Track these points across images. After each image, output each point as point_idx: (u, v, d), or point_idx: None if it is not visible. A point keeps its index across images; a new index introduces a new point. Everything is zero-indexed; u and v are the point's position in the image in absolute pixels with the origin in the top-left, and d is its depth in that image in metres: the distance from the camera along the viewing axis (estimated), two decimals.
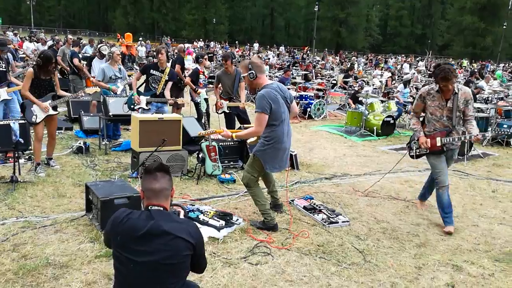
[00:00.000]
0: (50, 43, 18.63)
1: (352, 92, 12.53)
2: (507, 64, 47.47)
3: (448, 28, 69.92)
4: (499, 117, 10.05)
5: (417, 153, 4.84)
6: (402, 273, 3.66)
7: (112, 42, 26.31)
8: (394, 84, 15.66)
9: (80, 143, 6.84)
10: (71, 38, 11.98)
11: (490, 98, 11.32)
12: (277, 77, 15.50)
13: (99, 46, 9.49)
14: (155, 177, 2.33)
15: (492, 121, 9.77)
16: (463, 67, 35.07)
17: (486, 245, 4.33)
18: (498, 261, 3.98)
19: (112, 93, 7.37)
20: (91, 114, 8.22)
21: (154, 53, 7.59)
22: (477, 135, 4.36)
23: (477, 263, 3.91)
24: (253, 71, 4.21)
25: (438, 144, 4.55)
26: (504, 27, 54.67)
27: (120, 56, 8.34)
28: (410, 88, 13.27)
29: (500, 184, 6.52)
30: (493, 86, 14.15)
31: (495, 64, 44.51)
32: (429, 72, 23.52)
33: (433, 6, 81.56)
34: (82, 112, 8.25)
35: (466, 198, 5.76)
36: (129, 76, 8.27)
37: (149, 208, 2.29)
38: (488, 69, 30.66)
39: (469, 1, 63.62)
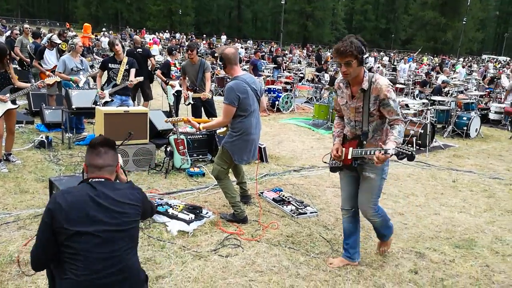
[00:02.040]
0: (8, 33, 17.81)
1: (326, 85, 12.67)
2: (466, 59, 49.35)
3: (410, 22, 71.83)
4: (459, 109, 10.45)
5: (332, 165, 3.63)
6: (368, 261, 3.77)
7: (75, 33, 25.41)
8: None
9: (42, 137, 6.61)
10: (27, 28, 11.49)
11: (450, 92, 11.73)
12: (245, 69, 15.49)
13: (49, 35, 9.06)
14: (99, 153, 2.30)
15: (452, 113, 10.15)
16: (424, 62, 36.13)
17: (447, 232, 4.52)
18: (458, 247, 4.17)
19: (74, 84, 7.16)
20: (53, 107, 7.95)
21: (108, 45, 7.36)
22: (384, 151, 3.01)
23: (438, 250, 4.07)
24: (222, 62, 4.31)
25: (349, 156, 3.38)
26: (464, 22, 56.71)
27: (82, 47, 8.08)
28: None
29: (460, 174, 6.80)
30: (455, 80, 14.68)
31: (455, 58, 46.14)
32: (392, 66, 24.14)
33: (397, 1, 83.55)
34: (44, 105, 7.98)
35: (428, 188, 5.98)
36: (91, 67, 8.01)
37: (89, 180, 2.25)
38: (448, 64, 31.73)
39: None
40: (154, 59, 10.29)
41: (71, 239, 2.09)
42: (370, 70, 13.84)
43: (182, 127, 7.11)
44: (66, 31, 17.33)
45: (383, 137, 3.31)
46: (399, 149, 2.95)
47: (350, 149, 3.37)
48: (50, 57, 8.41)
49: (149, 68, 9.54)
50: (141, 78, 6.88)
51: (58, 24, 57.51)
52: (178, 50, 9.01)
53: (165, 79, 8.31)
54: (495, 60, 49.94)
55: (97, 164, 2.28)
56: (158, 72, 8.53)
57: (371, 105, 3.21)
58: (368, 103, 3.21)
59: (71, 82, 7.18)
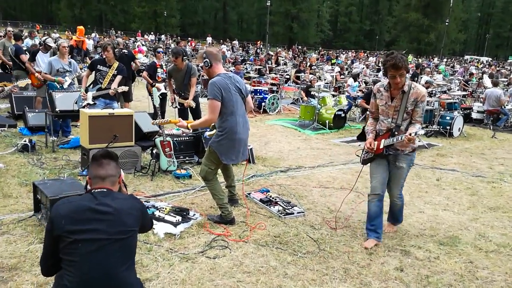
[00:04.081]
0: None
1: (305, 86, 12.77)
2: (449, 59, 50.12)
3: (394, 24, 72.69)
4: (442, 109, 10.61)
5: (364, 158, 4.26)
6: (354, 259, 3.81)
7: (59, 35, 25.12)
8: (343, 78, 16.12)
9: (25, 141, 6.51)
10: (10, 31, 11.31)
11: (434, 92, 11.91)
12: (230, 71, 15.49)
13: (44, 38, 9.00)
14: (101, 164, 2.39)
15: (436, 113, 10.31)
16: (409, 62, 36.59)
17: (431, 230, 4.59)
18: (443, 244, 4.23)
19: (58, 86, 7.06)
20: (36, 110, 7.84)
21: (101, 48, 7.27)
22: (410, 134, 3.76)
23: (423, 247, 4.13)
24: (207, 59, 4.23)
25: (381, 146, 4.04)
26: (447, 24, 57.55)
27: (67, 48, 7.98)
28: (359, 82, 13.71)
29: (443, 173, 6.91)
30: (437, 80, 14.91)
31: (438, 59, 46.81)
32: (377, 67, 24.37)
33: (381, 3, 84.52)
34: (27, 108, 7.86)
35: (413, 187, 6.06)
36: (80, 69, 7.93)
37: (92, 191, 2.33)
38: (430, 65, 32.18)
39: None
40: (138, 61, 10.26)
41: (69, 247, 2.16)
42: (357, 75, 14.03)
43: (168, 129, 7.08)
44: (35, 31, 17.09)
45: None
46: (425, 130, 3.90)
47: (382, 140, 4.03)
48: (43, 59, 8.28)
49: (132, 68, 9.50)
50: (125, 88, 6.80)
51: (41, 26, 56.69)
52: (162, 52, 8.90)
53: (151, 81, 8.26)
54: (477, 60, 50.86)
55: (99, 174, 2.37)
56: (144, 73, 8.48)
57: (409, 105, 3.91)
58: (406, 103, 3.91)
59: (55, 83, 7.09)
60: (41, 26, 54.82)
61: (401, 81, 3.84)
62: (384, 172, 4.12)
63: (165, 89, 7.87)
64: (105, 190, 2.34)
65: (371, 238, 4.14)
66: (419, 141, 3.59)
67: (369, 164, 4.24)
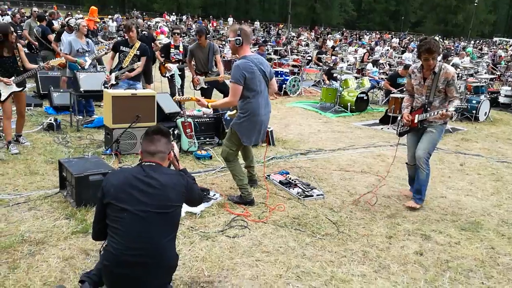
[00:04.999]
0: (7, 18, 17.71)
1: (327, 68, 12.61)
2: (477, 41, 48.52)
3: (421, 4, 70.46)
4: (468, 93, 10.34)
5: (401, 131, 4.81)
6: (373, 242, 3.80)
7: (82, 16, 25.32)
8: (370, 59, 15.84)
9: (50, 120, 6.67)
10: (35, 11, 11.49)
11: (460, 75, 11.59)
12: (254, 51, 15.41)
13: (67, 19, 9.11)
14: (152, 140, 2.51)
15: (462, 96, 10.04)
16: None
17: (453, 215, 4.53)
18: (464, 230, 4.18)
19: (79, 67, 7.16)
20: (61, 90, 7.99)
21: (124, 29, 7.21)
22: (446, 110, 4.24)
23: (444, 232, 4.09)
24: (240, 38, 4.16)
25: (416, 121, 4.54)
26: (476, 4, 55.50)
27: (87, 28, 8.04)
28: (383, 64, 13.46)
29: (468, 158, 6.77)
30: (465, 63, 14.49)
31: (466, 41, 45.38)
32: (402, 49, 23.82)
33: None
34: (52, 88, 8.02)
35: (435, 171, 5.96)
36: (97, 50, 7.98)
37: (141, 163, 2.47)
38: (458, 47, 31.25)
39: None
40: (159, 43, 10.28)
41: (115, 214, 2.31)
42: (377, 61, 13.79)
43: (189, 109, 7.13)
44: (70, 14, 17.16)
45: (442, 108, 4.36)
46: (458, 107, 4.29)
47: (416, 115, 4.52)
48: (67, 39, 8.39)
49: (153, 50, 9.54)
50: (139, 64, 6.75)
51: (64, 7, 57.25)
52: (179, 33, 8.77)
53: (162, 60, 8.25)
54: (506, 43, 49.04)
55: (149, 150, 2.49)
56: (158, 53, 8.50)
57: (440, 84, 4.36)
58: (437, 82, 4.35)
59: (76, 64, 7.18)
60: (64, 6, 55.37)
61: (433, 63, 4.29)
62: (415, 144, 4.62)
63: (179, 70, 7.86)
64: (154, 164, 2.45)
65: (412, 201, 4.64)
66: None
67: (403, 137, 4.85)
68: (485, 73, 14.95)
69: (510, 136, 8.59)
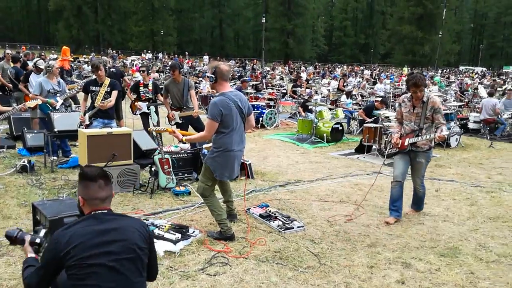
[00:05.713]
0: None
1: (302, 101, 12.86)
2: (444, 70, 50.53)
3: (389, 37, 73.36)
4: None
5: (389, 152, 5.37)
6: (355, 273, 3.80)
7: (56, 56, 25.31)
8: (345, 85, 16.26)
9: (24, 162, 6.52)
10: (8, 53, 11.42)
11: None
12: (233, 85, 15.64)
13: (35, 60, 9.06)
14: (100, 185, 2.32)
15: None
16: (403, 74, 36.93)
17: (432, 241, 4.58)
18: (443, 256, 4.23)
19: (51, 107, 7.09)
20: (35, 131, 7.86)
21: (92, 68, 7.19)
22: (441, 132, 4.71)
23: (424, 259, 4.12)
24: (213, 76, 4.26)
25: (406, 143, 4.98)
26: (440, 35, 58.14)
27: (59, 69, 8.03)
28: (355, 96, 13.85)
29: (442, 184, 6.92)
30: (433, 91, 15.03)
31: (433, 71, 47.20)
32: (373, 80, 24.56)
33: (374, 16, 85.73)
34: (25, 129, 7.88)
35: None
36: (69, 89, 7.95)
37: (92, 213, 2.29)
38: (426, 76, 32.44)
39: (407, 11, 67.09)
40: (129, 79, 10.41)
41: (84, 272, 2.13)
42: (350, 92, 14.23)
43: (166, 146, 7.11)
44: (44, 54, 17.10)
45: (430, 133, 4.88)
46: (449, 131, 4.80)
47: (407, 139, 4.98)
48: (36, 81, 8.33)
49: (122, 85, 9.62)
50: (112, 99, 6.71)
51: (38, 47, 57.16)
52: (145, 71, 8.89)
53: (132, 99, 8.38)
54: (471, 71, 51.27)
55: (100, 196, 2.31)
56: (128, 92, 8.63)
57: (428, 112, 4.89)
58: (425, 110, 4.89)
59: (47, 104, 7.11)
60: (39, 47, 55.29)
61: (421, 95, 4.86)
62: (405, 164, 5.09)
63: (148, 108, 7.94)
64: (106, 211, 2.32)
65: (392, 216, 5.07)
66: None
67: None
68: (454, 100, 15.54)
69: (481, 161, 8.85)
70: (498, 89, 19.69)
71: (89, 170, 2.37)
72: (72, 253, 2.13)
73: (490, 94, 12.63)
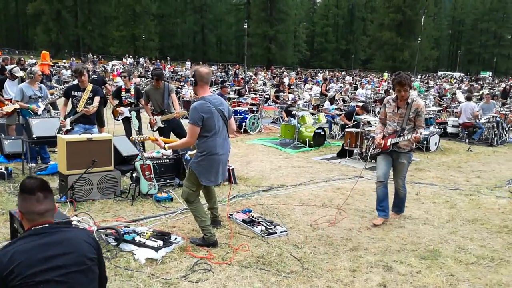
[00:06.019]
0: None
1: (285, 106, 12.93)
2: (423, 76, 51.48)
3: (369, 43, 74.48)
4: None
5: (371, 154, 5.39)
6: (337, 277, 3.81)
7: (35, 61, 24.88)
8: (328, 90, 16.41)
9: (1, 169, 6.37)
10: None
11: None
12: (213, 92, 15.60)
13: (11, 67, 8.89)
14: (39, 199, 2.15)
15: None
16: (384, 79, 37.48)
17: (412, 244, 4.64)
18: (424, 258, 4.28)
19: (32, 113, 6.96)
20: (13, 137, 7.70)
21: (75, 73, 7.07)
22: (416, 134, 4.78)
23: (405, 262, 4.17)
24: (193, 79, 4.28)
25: (388, 143, 5.04)
26: (419, 42, 59.27)
27: (41, 76, 7.91)
28: (337, 101, 13.98)
29: (422, 187, 7.02)
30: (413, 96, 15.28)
31: (412, 76, 48.02)
32: (354, 85, 24.85)
33: (355, 23, 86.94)
34: (2, 135, 7.71)
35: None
36: (51, 94, 7.83)
37: (33, 228, 2.13)
38: None
39: (387, 18, 68.25)
40: (109, 85, 10.34)
41: None
42: (333, 98, 14.40)
43: (148, 151, 7.04)
44: (23, 59, 16.80)
45: (411, 134, 4.90)
46: (428, 132, 5.18)
47: (389, 139, 5.04)
48: (11, 87, 8.17)
49: (104, 92, 9.54)
50: (95, 104, 6.70)
51: (17, 52, 56.05)
52: (126, 76, 8.84)
53: (114, 104, 8.34)
54: (450, 76, 52.37)
55: (39, 210, 2.13)
56: (110, 97, 8.58)
57: (411, 114, 4.95)
58: (409, 112, 4.95)
59: (29, 110, 6.98)
60: (17, 52, 54.25)
61: (405, 94, 4.89)
62: (387, 164, 5.15)
63: (129, 113, 7.90)
64: (47, 225, 2.15)
65: (380, 217, 5.17)
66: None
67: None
68: (433, 105, 15.83)
69: (460, 164, 9.02)
70: (475, 93, 20.14)
71: (27, 182, 2.20)
72: (16, 272, 1.97)
73: (468, 98, 12.92)
